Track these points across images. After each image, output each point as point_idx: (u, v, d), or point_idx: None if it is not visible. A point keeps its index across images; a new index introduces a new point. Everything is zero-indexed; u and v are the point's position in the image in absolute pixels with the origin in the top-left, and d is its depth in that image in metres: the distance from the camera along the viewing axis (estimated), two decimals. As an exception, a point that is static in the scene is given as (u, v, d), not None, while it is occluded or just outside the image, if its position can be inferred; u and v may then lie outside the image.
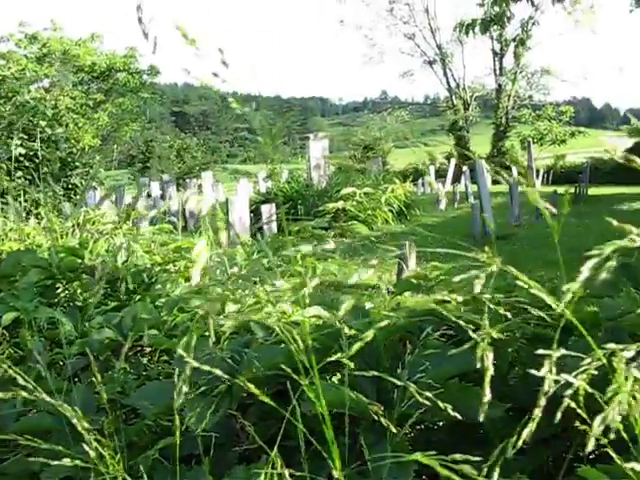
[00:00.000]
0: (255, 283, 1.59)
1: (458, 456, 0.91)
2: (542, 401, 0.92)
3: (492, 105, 44.89)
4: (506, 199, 16.57)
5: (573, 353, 0.96)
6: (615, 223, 0.92)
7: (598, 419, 0.88)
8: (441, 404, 1.19)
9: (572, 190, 24.08)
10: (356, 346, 1.12)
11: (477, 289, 0.92)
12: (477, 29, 7.38)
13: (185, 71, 1.09)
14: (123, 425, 1.86)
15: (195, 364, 1.20)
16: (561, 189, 23.58)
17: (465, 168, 23.00)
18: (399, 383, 1.24)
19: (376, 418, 1.36)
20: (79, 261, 3.55)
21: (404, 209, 16.63)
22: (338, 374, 1.87)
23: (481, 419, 1.01)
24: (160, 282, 3.49)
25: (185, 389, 1.22)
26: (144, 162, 53.13)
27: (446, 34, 45.65)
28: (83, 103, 27.13)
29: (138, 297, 3.32)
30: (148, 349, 2.78)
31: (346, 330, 2.24)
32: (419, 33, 43.69)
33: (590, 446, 0.88)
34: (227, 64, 0.97)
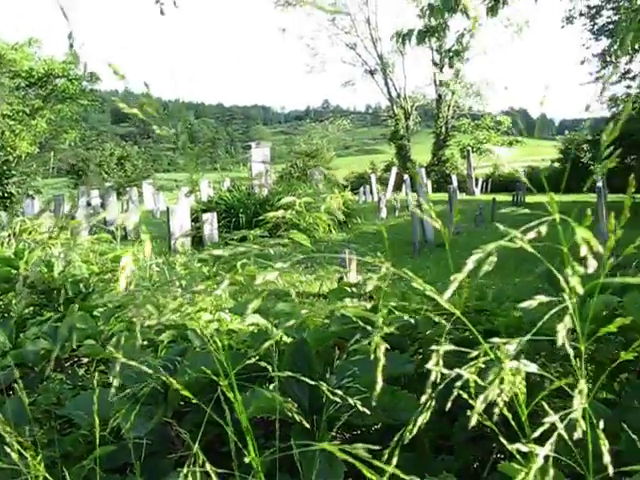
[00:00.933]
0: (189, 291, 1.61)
1: (360, 445, 0.96)
2: (428, 390, 1.00)
3: (432, 115, 45.53)
4: (446, 207, 16.82)
5: (462, 349, 1.04)
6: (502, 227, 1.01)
7: (481, 398, 0.95)
8: (360, 406, 1.23)
9: (510, 198, 24.63)
10: (265, 345, 1.16)
11: (369, 288, 0.98)
12: (413, 40, 7.55)
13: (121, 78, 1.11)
14: (58, 436, 1.85)
15: (133, 363, 1.22)
16: (500, 197, 24.11)
17: (406, 177, 23.26)
18: (324, 388, 1.27)
19: (308, 423, 1.39)
20: (14, 271, 3.50)
21: (345, 218, 16.75)
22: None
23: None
24: (97, 292, 3.46)
25: (118, 393, 1.23)
26: (84, 170, 52.22)
27: (387, 44, 46.13)
28: (20, 109, 26.58)
29: (75, 307, 3.29)
30: (85, 359, 2.76)
31: (285, 338, 2.28)
32: (360, 43, 44.17)
33: (473, 421, 0.96)
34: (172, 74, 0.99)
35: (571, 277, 0.94)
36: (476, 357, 1.02)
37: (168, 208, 15.09)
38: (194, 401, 1.37)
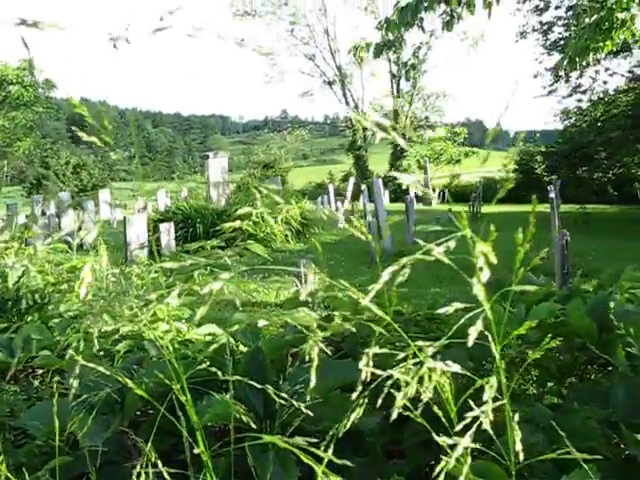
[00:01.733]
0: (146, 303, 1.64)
1: (299, 439, 1.01)
2: (359, 388, 1.06)
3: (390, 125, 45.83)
4: (403, 217, 16.97)
5: (388, 351, 1.11)
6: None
7: (401, 394, 1.02)
8: (307, 411, 1.27)
9: (467, 208, 24.94)
10: (212, 348, 1.20)
11: (302, 296, 1.04)
12: (371, 53, 7.67)
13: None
14: (11, 447, 1.85)
15: (92, 365, 1.24)
16: (456, 207, 24.39)
17: (364, 187, 23.40)
18: (278, 394, 1.31)
19: (264, 428, 1.43)
20: (-34, 282, 3.47)
21: (303, 228, 16.79)
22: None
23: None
24: (53, 302, 3.44)
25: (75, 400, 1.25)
26: (38, 179, 51.41)
27: (346, 55, 46.37)
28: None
29: (30, 318, 3.27)
30: (40, 370, 2.75)
31: (242, 347, 2.31)
32: (319, 54, 44.36)
33: (394, 414, 1.07)
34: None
35: (475, 286, 1.02)
36: (404, 359, 1.09)
37: (125, 218, 14.96)
38: (150, 410, 1.40)
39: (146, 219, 15.36)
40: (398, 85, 43.66)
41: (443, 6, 5.03)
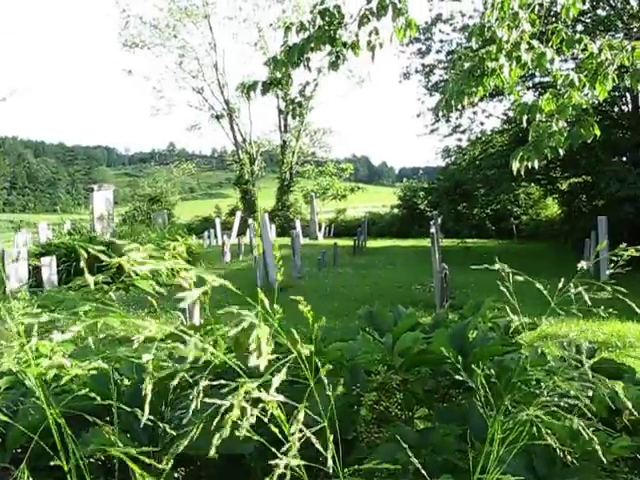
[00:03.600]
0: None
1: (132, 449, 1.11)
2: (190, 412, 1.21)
3: (277, 160, 46.27)
4: (289, 251, 17.14)
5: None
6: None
7: (229, 422, 1.17)
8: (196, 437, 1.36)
9: (352, 243, 25.42)
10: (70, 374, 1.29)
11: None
12: (258, 92, 7.77)
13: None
14: None
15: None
16: (342, 242, 24.83)
17: (250, 221, 23.52)
18: (159, 424, 1.39)
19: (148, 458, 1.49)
20: None
21: (189, 262, 16.70)
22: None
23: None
24: None
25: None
26: None
27: (234, 89, 46.53)
28: None
29: None
30: None
31: (126, 381, 2.35)
32: (207, 87, 44.35)
33: (226, 432, 1.24)
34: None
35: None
36: (236, 388, 1.24)
37: (3, 251, 14.45)
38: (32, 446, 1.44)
39: (26, 252, 14.88)
40: (286, 120, 44.19)
41: (329, 47, 5.22)
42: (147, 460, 1.47)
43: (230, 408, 1.30)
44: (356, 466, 1.88)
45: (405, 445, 1.52)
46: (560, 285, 1.99)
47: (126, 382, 2.29)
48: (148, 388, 1.45)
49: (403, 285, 15.57)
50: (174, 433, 1.55)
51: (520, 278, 2.10)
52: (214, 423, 1.34)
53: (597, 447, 1.65)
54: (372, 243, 29.90)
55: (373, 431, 2.27)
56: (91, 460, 1.81)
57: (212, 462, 1.90)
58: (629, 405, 1.89)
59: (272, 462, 1.22)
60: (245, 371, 2.04)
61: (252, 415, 1.23)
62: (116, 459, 1.64)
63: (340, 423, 1.49)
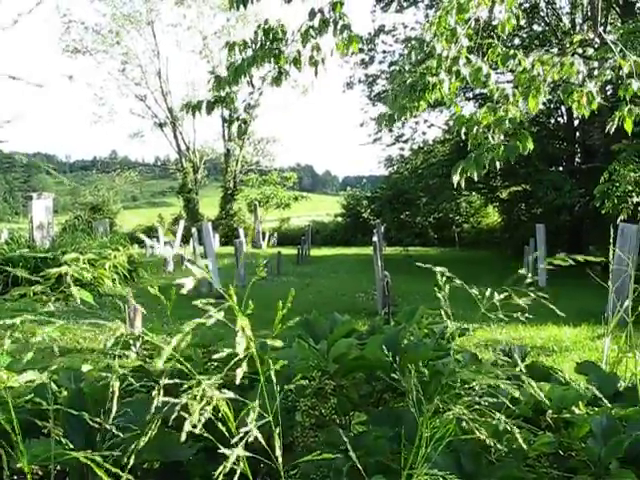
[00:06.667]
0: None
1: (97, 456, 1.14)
2: (149, 416, 1.25)
3: (221, 169, 46.08)
4: (233, 260, 17.10)
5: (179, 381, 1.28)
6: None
7: (188, 422, 1.22)
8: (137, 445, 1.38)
9: (295, 251, 25.48)
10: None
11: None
12: (203, 111, 7.78)
13: None
14: None
15: None
16: (285, 250, 24.85)
17: (194, 230, 23.39)
18: (104, 424, 1.41)
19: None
20: None
21: (131, 272, 16.51)
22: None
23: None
24: None
25: None
26: None
27: (177, 97, 46.09)
28: None
29: None
30: None
31: (65, 392, 2.35)
32: (151, 95, 43.91)
33: (183, 436, 1.25)
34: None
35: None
36: (190, 387, 1.28)
37: (-64, 261, 14.07)
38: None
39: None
40: (230, 129, 44.01)
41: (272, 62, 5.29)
42: (108, 466, 1.49)
43: (184, 407, 1.34)
44: (295, 470, 1.93)
45: (340, 448, 1.58)
46: (488, 292, 2.08)
47: (65, 393, 2.29)
48: (116, 385, 1.46)
49: (346, 293, 15.67)
50: (121, 435, 1.57)
51: (457, 283, 2.18)
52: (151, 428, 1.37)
53: (521, 444, 1.73)
54: (316, 252, 30.03)
55: (309, 436, 2.33)
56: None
57: (152, 471, 1.92)
58: (547, 403, 2.00)
59: (221, 451, 1.26)
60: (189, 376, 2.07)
61: (205, 412, 1.27)
62: (53, 471, 1.66)
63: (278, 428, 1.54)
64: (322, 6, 4.93)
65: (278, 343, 1.70)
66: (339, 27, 4.95)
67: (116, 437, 1.65)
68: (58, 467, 1.79)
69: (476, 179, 5.16)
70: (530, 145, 4.92)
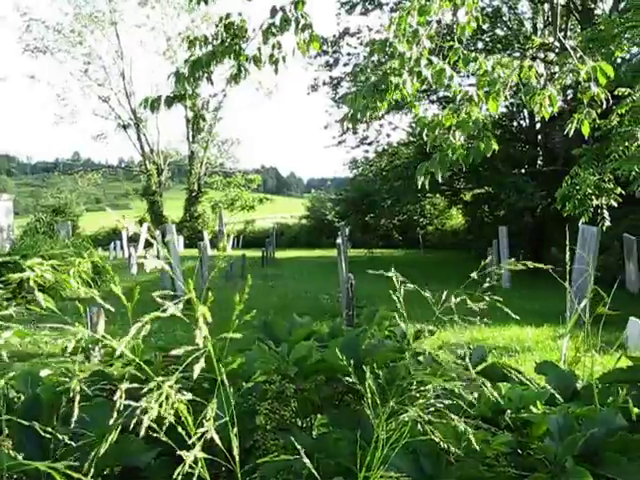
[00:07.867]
0: None
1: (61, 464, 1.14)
2: (115, 415, 1.25)
3: (185, 171, 45.85)
4: (197, 263, 17.00)
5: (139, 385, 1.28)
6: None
7: (146, 417, 1.22)
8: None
9: (260, 254, 25.43)
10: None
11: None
12: (162, 106, 7.71)
13: None
14: None
15: None
16: (250, 253, 24.81)
17: (157, 232, 23.24)
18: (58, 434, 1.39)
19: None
20: None
21: (95, 275, 16.35)
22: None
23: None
24: None
25: None
26: None
27: (141, 98, 45.75)
28: None
29: None
30: None
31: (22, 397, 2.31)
32: (114, 96, 43.53)
33: (142, 432, 1.29)
34: None
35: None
36: (151, 390, 1.27)
37: None
38: None
39: None
40: (194, 131, 43.79)
41: (232, 59, 5.25)
42: (70, 473, 1.47)
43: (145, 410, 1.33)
44: (255, 474, 1.92)
45: (299, 450, 1.58)
46: (444, 294, 2.11)
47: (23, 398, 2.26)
48: (77, 389, 1.44)
49: (311, 295, 15.67)
50: (73, 444, 1.55)
51: (411, 286, 2.20)
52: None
53: (475, 444, 1.75)
54: (281, 254, 30.02)
55: (270, 439, 2.32)
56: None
57: (112, 477, 1.90)
58: (502, 402, 2.03)
59: (180, 452, 1.26)
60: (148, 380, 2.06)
61: (165, 415, 1.28)
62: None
63: (237, 432, 1.53)
64: (284, 4, 4.92)
65: (237, 336, 1.70)
66: (300, 26, 4.94)
67: (70, 445, 1.63)
68: (15, 476, 1.77)
69: (440, 181, 5.20)
70: (495, 146, 4.97)
